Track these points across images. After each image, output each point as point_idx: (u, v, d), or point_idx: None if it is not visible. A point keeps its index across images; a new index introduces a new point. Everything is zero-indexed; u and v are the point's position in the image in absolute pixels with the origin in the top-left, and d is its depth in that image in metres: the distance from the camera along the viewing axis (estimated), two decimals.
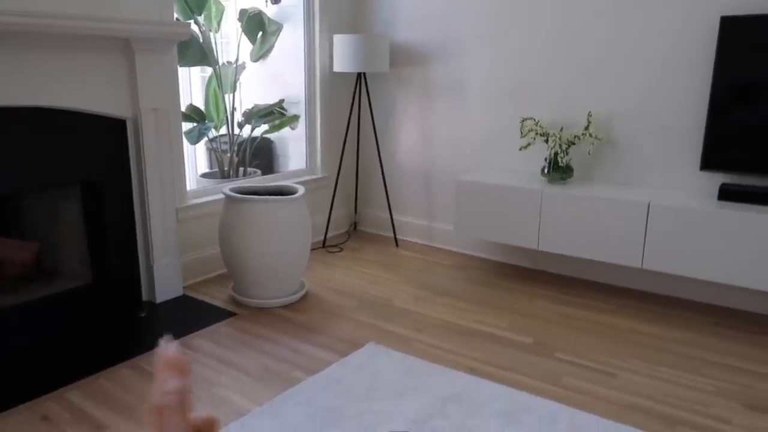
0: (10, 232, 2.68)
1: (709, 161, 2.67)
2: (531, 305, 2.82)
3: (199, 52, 3.64)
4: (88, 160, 2.47)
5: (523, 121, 3.10)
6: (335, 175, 3.92)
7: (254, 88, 4.08)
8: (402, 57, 3.68)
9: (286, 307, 2.76)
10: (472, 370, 2.19)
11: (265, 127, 3.84)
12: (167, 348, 0.55)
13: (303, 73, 3.71)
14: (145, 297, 2.80)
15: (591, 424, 1.85)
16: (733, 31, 2.53)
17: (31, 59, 2.18)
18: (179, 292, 2.87)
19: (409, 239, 3.88)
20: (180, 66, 3.37)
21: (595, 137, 2.94)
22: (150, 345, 2.36)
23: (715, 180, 2.78)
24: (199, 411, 1.91)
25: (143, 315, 2.64)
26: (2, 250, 2.57)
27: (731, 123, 2.59)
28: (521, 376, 2.17)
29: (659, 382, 2.13)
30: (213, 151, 4.10)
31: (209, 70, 3.92)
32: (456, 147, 3.57)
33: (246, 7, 3.74)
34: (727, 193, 2.62)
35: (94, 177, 2.50)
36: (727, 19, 2.53)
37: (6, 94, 2.13)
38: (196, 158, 4.49)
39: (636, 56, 2.88)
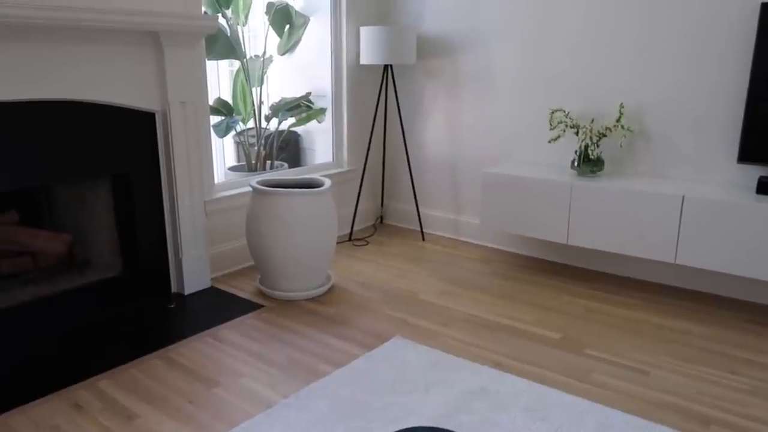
0: (44, 223, 2.74)
1: (747, 153, 2.58)
2: (559, 300, 2.78)
3: (226, 46, 3.66)
4: (119, 153, 2.51)
5: (552, 112, 3.04)
6: (361, 169, 3.92)
7: (281, 82, 4.09)
8: (429, 49, 3.64)
9: (313, 299, 2.76)
10: (498, 365, 2.17)
11: (292, 120, 3.85)
12: None
13: (330, 66, 3.71)
14: (174, 289, 2.83)
15: (621, 422, 1.81)
16: None
17: (61, 53, 2.22)
18: (207, 284, 2.90)
19: (435, 233, 3.86)
20: (208, 59, 3.40)
21: (628, 129, 2.88)
22: (179, 336, 2.39)
23: (753, 173, 2.69)
24: (227, 403, 1.93)
25: (172, 306, 2.68)
26: (37, 241, 2.63)
27: None
28: (549, 371, 2.13)
29: (692, 380, 2.08)
30: (240, 145, 4.13)
31: (237, 64, 3.94)
32: (483, 139, 3.53)
33: (273, 0, 3.75)
34: (765, 186, 2.54)
35: (125, 170, 2.54)
36: None
37: (37, 88, 2.17)
38: (224, 151, 4.52)
39: (670, 45, 2.80)
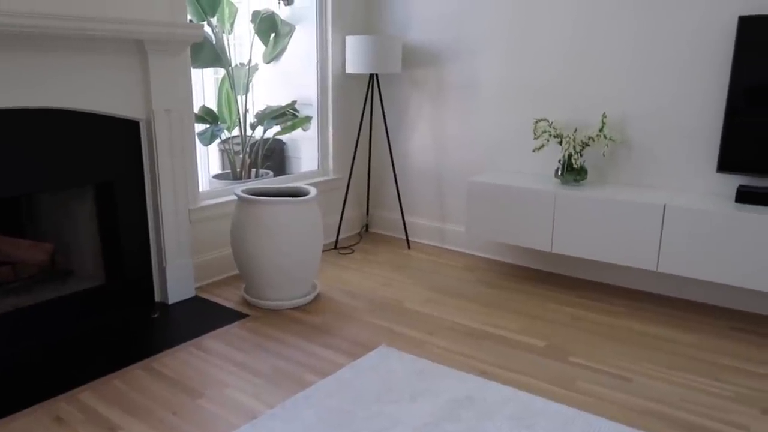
0: (25, 232, 2.70)
1: (726, 163, 2.63)
2: (543, 308, 2.80)
3: (212, 54, 3.65)
4: (102, 162, 2.48)
5: (536, 122, 3.07)
6: (347, 177, 3.92)
7: (267, 90, 4.09)
8: (414, 58, 3.66)
9: (298, 308, 2.75)
10: (483, 373, 2.18)
11: (277, 128, 3.84)
12: None
13: (315, 75, 3.71)
14: (157, 298, 2.81)
15: (605, 429, 1.82)
16: (751, 32, 2.49)
17: (45, 61, 2.20)
18: (191, 293, 2.88)
19: (420, 241, 3.87)
20: (193, 67, 3.38)
21: (610, 139, 2.91)
22: (162, 346, 2.37)
23: (732, 182, 2.74)
24: (212, 414, 1.91)
25: (156, 316, 2.65)
26: (18, 250, 2.59)
27: (749, 124, 2.55)
28: (534, 379, 2.14)
29: (675, 387, 2.10)
30: (225, 153, 4.12)
31: (222, 72, 3.93)
32: (468, 148, 3.55)
33: (259, 8, 3.75)
34: (744, 195, 2.58)
35: (108, 178, 2.52)
36: (745, 19, 2.49)
37: (20, 96, 2.15)
38: (208, 159, 4.50)
39: (651, 57, 2.84)
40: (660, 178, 2.92)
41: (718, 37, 2.66)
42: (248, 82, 3.85)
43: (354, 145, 3.93)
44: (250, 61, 3.82)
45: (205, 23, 3.58)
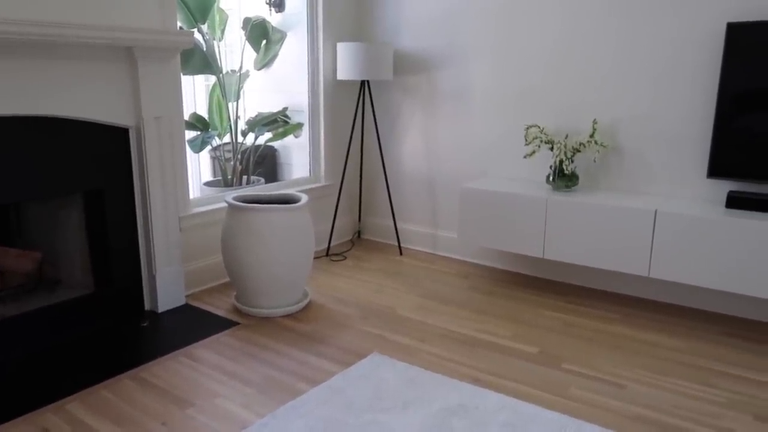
0: (12, 241, 2.67)
1: (716, 169, 2.64)
2: (536, 314, 2.79)
3: (202, 61, 3.64)
4: (91, 169, 2.46)
5: (527, 128, 3.08)
6: (339, 183, 3.91)
7: (258, 96, 4.08)
8: (406, 65, 3.67)
9: (289, 316, 2.73)
10: (476, 381, 2.16)
11: (268, 135, 3.83)
12: None
13: (307, 81, 3.71)
14: (147, 306, 2.78)
15: None
16: (740, 38, 2.50)
17: (33, 68, 2.18)
18: (181, 302, 2.85)
19: (412, 247, 3.86)
20: (183, 74, 3.37)
21: (601, 144, 2.92)
22: (152, 355, 2.34)
23: (723, 187, 2.75)
24: (202, 424, 1.89)
25: (145, 325, 2.62)
26: (5, 259, 2.56)
27: (738, 130, 2.57)
28: (527, 386, 2.13)
29: (668, 393, 2.09)
30: (216, 160, 4.10)
31: (213, 79, 3.91)
32: (460, 155, 3.55)
33: (250, 15, 3.74)
34: (734, 201, 2.59)
35: (97, 186, 2.50)
36: (734, 26, 2.51)
37: (9, 103, 2.13)
38: (199, 166, 4.48)
39: (642, 63, 2.86)
40: (651, 184, 2.93)
41: (706, 43, 2.68)
42: (239, 88, 3.83)
43: (346, 152, 3.92)
44: (241, 67, 3.81)
45: (195, 30, 3.57)
